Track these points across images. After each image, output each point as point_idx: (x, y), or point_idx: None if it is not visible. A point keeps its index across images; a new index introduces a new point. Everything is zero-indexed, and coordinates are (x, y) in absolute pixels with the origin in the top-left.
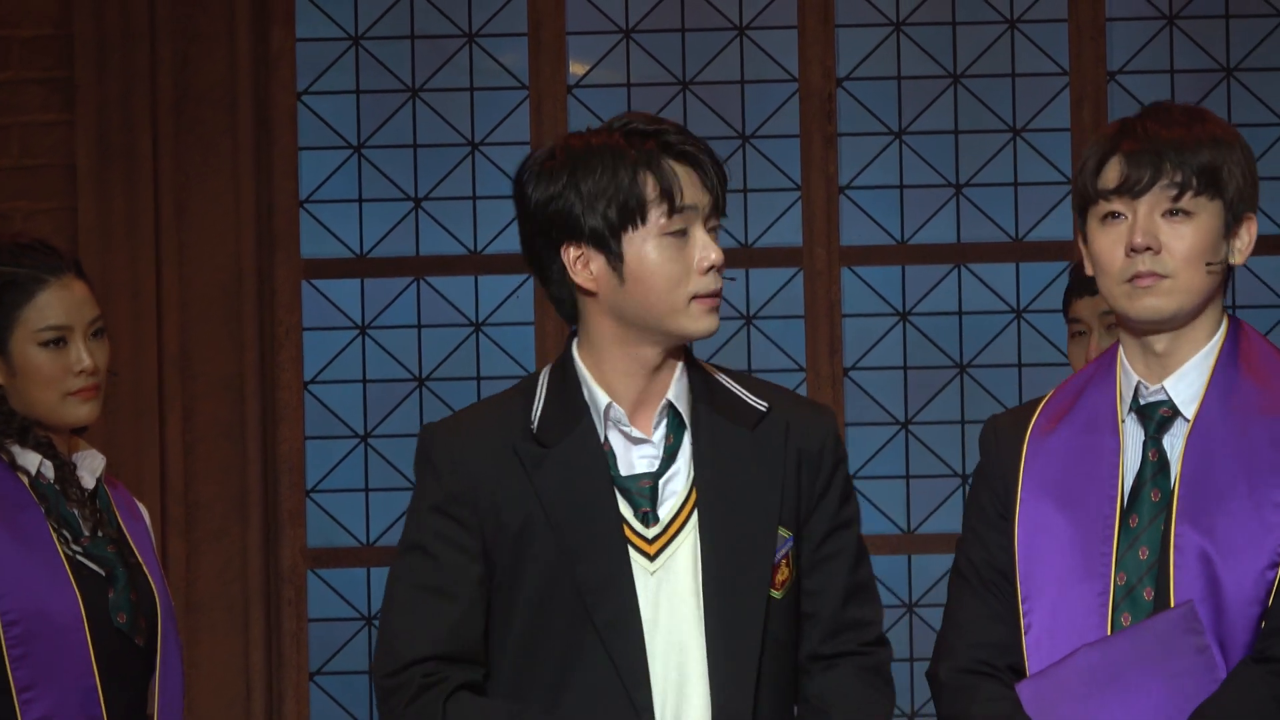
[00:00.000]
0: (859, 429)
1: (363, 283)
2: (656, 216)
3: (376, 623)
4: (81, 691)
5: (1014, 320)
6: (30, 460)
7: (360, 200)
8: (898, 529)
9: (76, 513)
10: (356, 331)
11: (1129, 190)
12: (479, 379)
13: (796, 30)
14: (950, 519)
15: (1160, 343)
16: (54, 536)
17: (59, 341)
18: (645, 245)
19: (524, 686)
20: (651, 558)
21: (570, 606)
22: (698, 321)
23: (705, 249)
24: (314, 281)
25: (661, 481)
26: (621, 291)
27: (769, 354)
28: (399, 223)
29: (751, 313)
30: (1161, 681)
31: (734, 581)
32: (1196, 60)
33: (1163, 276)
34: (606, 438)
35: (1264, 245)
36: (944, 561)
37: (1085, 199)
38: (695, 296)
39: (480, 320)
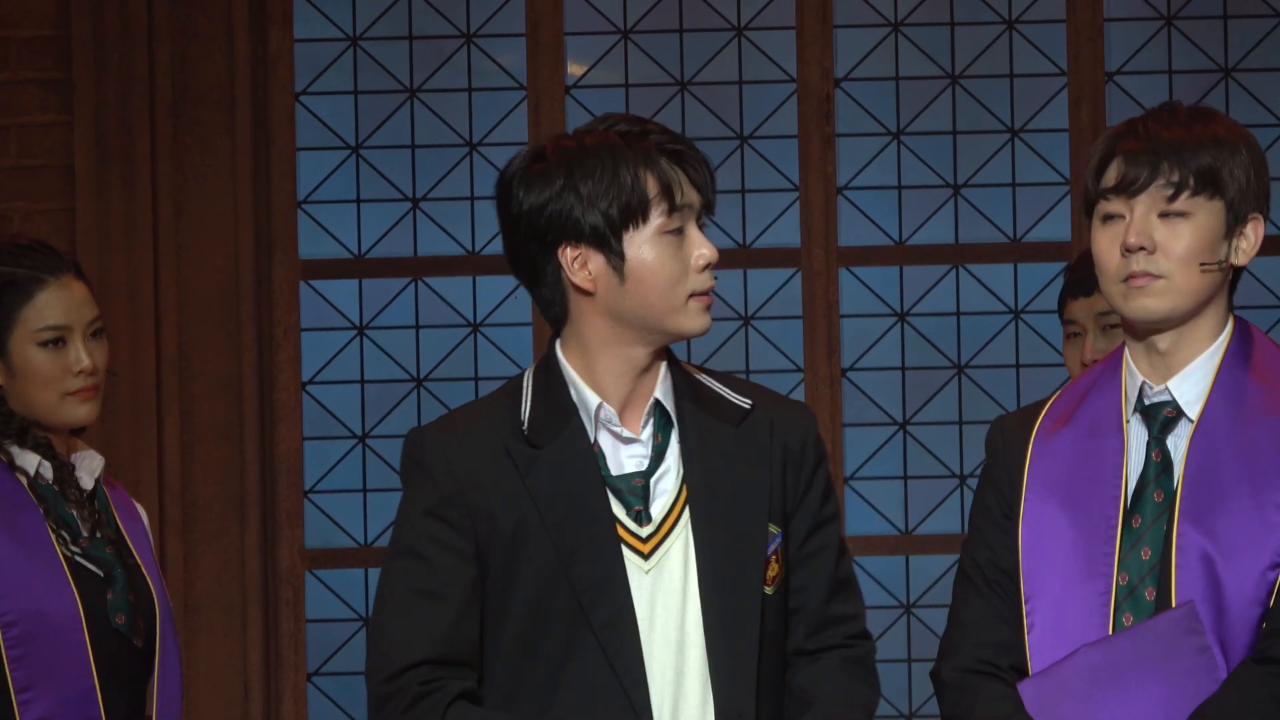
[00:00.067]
0: (857, 429)
1: (361, 283)
2: (657, 215)
3: None
4: (80, 692)
5: (1012, 321)
6: (29, 461)
7: (358, 201)
8: (896, 530)
9: (75, 513)
10: (354, 332)
11: (1125, 190)
12: (477, 379)
13: (795, 31)
14: (948, 520)
15: (1163, 342)
16: (52, 537)
17: (58, 342)
18: (646, 244)
19: (518, 688)
20: (646, 556)
21: (566, 607)
22: (695, 319)
23: (701, 246)
24: (312, 282)
25: (653, 480)
26: (621, 291)
27: (767, 354)
28: (397, 223)
29: (749, 313)
30: (1162, 681)
31: (730, 579)
32: (1195, 61)
33: (1156, 277)
34: (596, 438)
35: (1264, 245)
36: (942, 562)
37: (1088, 199)
38: (693, 294)
39: (478, 321)
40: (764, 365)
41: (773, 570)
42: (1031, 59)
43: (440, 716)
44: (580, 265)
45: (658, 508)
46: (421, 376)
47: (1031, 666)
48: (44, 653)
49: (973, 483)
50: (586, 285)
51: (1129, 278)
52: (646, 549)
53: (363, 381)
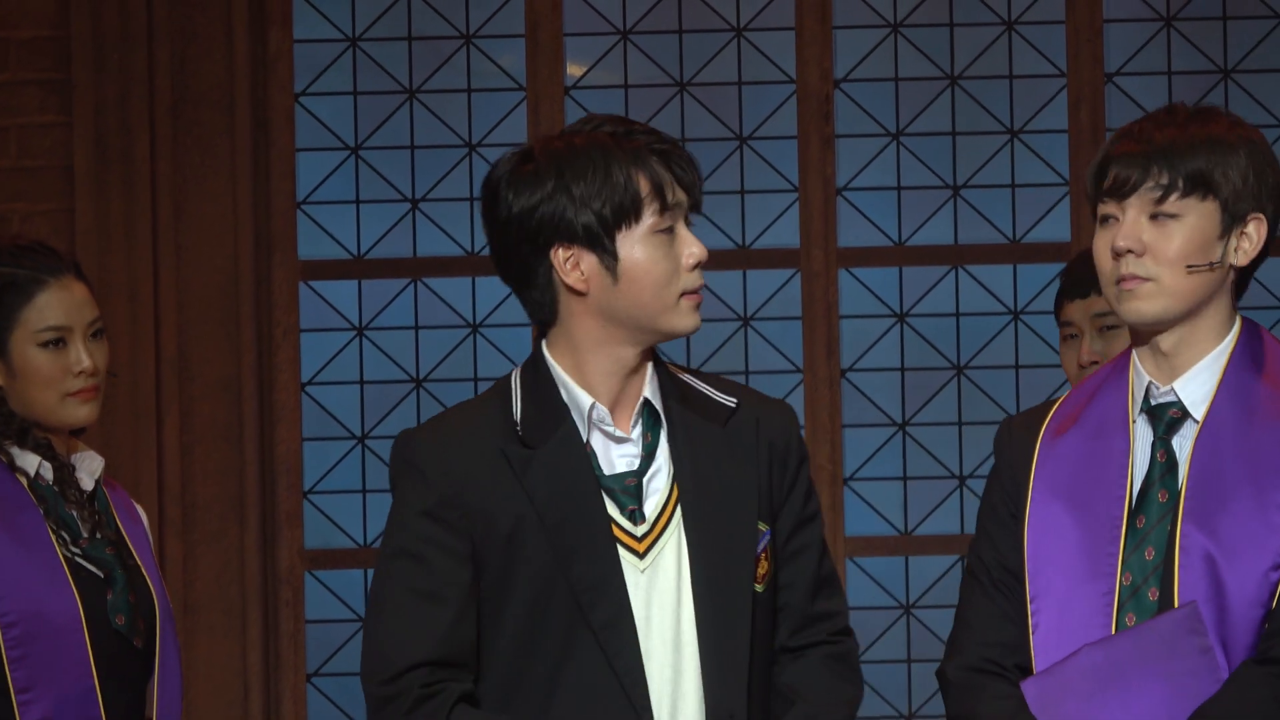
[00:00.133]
0: (856, 430)
1: (360, 284)
2: (649, 214)
3: None
4: (80, 693)
5: (1011, 322)
6: (29, 462)
7: (358, 201)
8: (895, 530)
9: (75, 514)
10: (354, 333)
11: (1116, 193)
12: (476, 380)
13: (794, 31)
14: (948, 520)
15: (1165, 343)
16: (53, 538)
17: (58, 342)
18: (638, 244)
19: (515, 689)
20: (641, 555)
21: (565, 607)
22: (686, 318)
23: (692, 245)
24: (311, 283)
25: (645, 479)
26: (614, 291)
27: (766, 355)
28: (396, 224)
29: (749, 314)
30: (1163, 682)
31: (722, 577)
32: (1194, 62)
33: (1145, 279)
34: (589, 438)
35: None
36: (942, 563)
37: (1089, 201)
38: (684, 293)
39: (477, 322)
40: (763, 366)
41: (762, 568)
42: (1031, 60)
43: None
44: (573, 266)
45: (650, 507)
46: (421, 377)
47: (1036, 666)
48: (44, 653)
49: (972, 483)
50: (579, 286)
51: (1119, 280)
52: (641, 548)
53: (362, 382)
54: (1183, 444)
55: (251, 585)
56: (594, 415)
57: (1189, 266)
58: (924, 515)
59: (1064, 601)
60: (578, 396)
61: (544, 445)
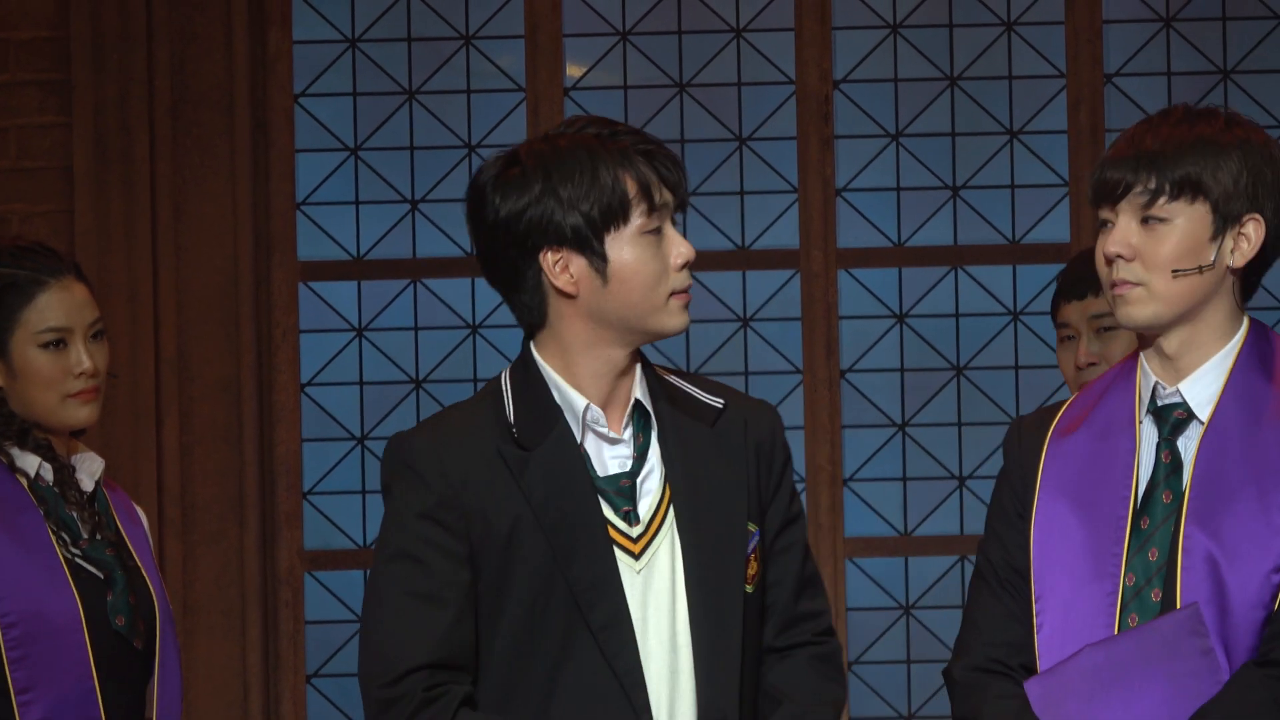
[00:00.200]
0: (856, 431)
1: (359, 285)
2: (637, 215)
3: None
4: (80, 694)
5: (1011, 322)
6: (29, 463)
7: (357, 202)
8: (895, 531)
9: (75, 515)
10: (353, 334)
11: (1107, 198)
12: (475, 381)
13: (793, 32)
14: (948, 521)
15: (1169, 345)
16: (53, 539)
17: (59, 343)
18: (627, 245)
19: (514, 690)
20: (637, 556)
21: (563, 608)
22: (675, 318)
23: (679, 245)
24: (311, 284)
25: (638, 480)
26: (604, 292)
27: (766, 356)
28: (396, 225)
29: (748, 315)
30: (1164, 682)
31: (715, 578)
32: (1193, 63)
33: (1135, 284)
34: (582, 440)
35: None
36: (941, 564)
37: (1090, 206)
38: (673, 293)
39: (477, 322)
40: (763, 367)
41: (752, 569)
42: (1030, 60)
43: None
44: (562, 269)
45: (644, 508)
46: (420, 378)
47: (1041, 666)
48: (44, 654)
49: (971, 484)
50: (568, 288)
51: (1112, 285)
52: (637, 549)
53: (361, 383)
54: (1188, 445)
55: (251, 586)
56: (588, 416)
57: (1174, 271)
58: (924, 516)
59: (1068, 601)
60: (571, 398)
61: (539, 446)
